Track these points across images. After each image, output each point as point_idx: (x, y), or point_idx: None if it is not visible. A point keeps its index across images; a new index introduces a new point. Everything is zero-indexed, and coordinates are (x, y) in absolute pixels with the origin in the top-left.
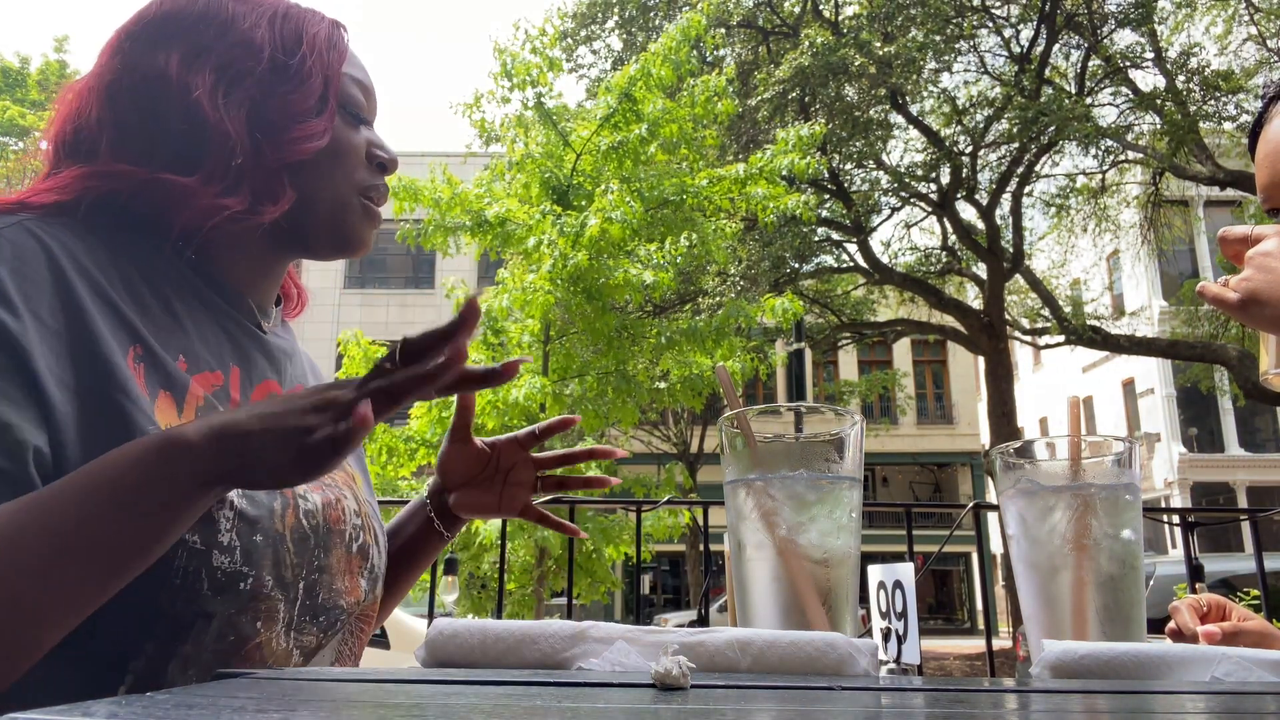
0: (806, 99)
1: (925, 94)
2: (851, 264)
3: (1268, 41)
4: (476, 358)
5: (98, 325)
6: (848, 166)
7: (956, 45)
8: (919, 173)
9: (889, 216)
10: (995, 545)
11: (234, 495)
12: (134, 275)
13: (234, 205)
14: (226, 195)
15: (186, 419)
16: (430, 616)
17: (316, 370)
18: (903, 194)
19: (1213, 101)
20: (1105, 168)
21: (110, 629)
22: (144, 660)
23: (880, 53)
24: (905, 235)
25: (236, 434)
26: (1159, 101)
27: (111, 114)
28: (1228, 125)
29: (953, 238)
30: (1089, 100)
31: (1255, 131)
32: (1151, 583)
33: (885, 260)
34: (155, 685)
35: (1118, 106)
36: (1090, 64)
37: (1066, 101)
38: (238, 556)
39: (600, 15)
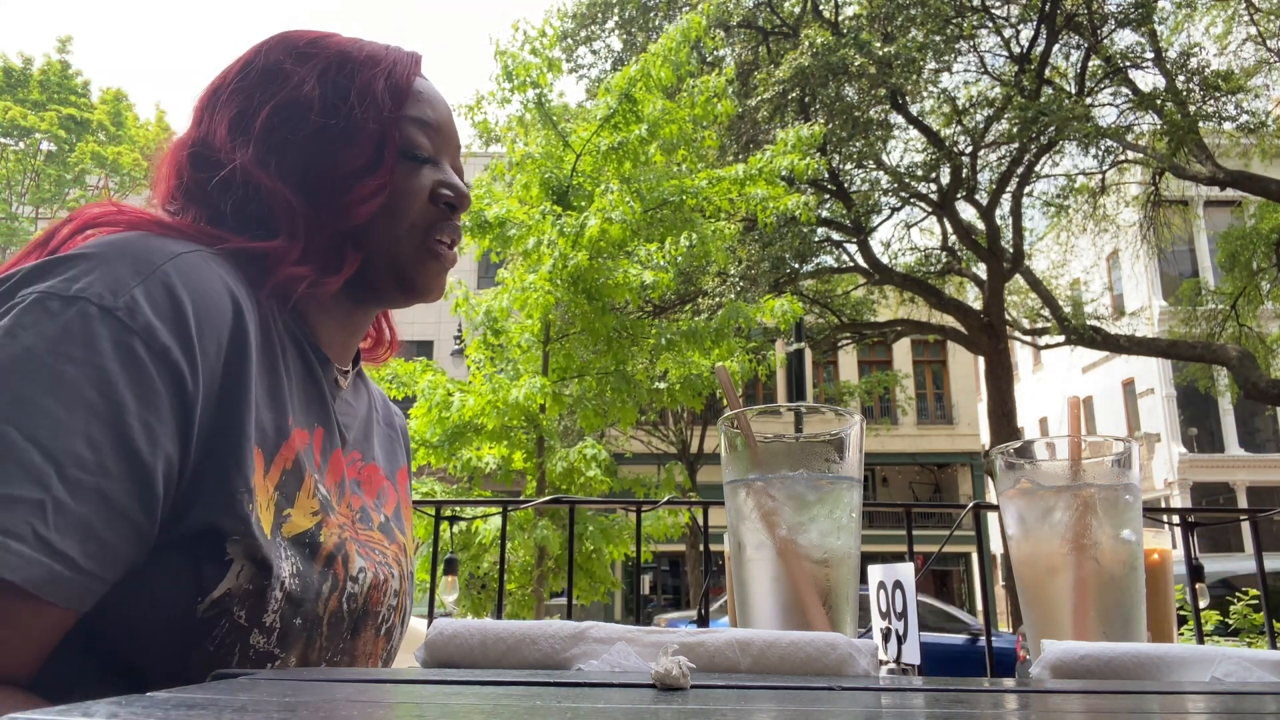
0: (806, 99)
1: (925, 94)
2: (851, 264)
3: (1268, 41)
4: (477, 357)
5: (250, 380)
6: (848, 167)
7: (956, 45)
8: (919, 173)
9: (889, 216)
10: (995, 545)
11: (285, 575)
12: (266, 325)
13: (306, 274)
14: (300, 264)
15: (272, 479)
16: (430, 616)
17: (389, 414)
18: (903, 194)
19: (1213, 101)
20: (1105, 168)
21: (140, 672)
22: None
23: (880, 53)
24: (905, 235)
25: None
26: (1159, 101)
27: (195, 181)
28: (1228, 125)
29: (953, 238)
30: (1089, 100)
31: None
32: None
33: (885, 260)
34: None
35: (1118, 106)
36: (1090, 64)
37: (1066, 101)
38: (274, 639)
39: (600, 16)
